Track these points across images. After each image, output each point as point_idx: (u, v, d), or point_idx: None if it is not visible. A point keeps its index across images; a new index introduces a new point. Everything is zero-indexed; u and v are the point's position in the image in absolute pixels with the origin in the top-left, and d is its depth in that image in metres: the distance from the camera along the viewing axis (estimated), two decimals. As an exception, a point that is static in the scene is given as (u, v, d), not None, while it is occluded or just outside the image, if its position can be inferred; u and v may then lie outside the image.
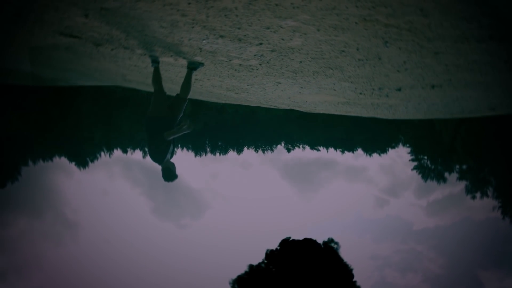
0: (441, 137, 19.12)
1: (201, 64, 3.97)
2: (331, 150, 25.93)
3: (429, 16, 2.20)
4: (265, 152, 26.60)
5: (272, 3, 2.26)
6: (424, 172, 21.25)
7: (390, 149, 24.77)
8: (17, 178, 20.56)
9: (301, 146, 26.36)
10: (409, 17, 2.23)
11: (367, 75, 3.73)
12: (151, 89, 3.97)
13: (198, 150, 25.01)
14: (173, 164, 3.77)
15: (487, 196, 18.56)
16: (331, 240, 1.55)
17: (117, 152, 23.78)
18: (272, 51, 3.23)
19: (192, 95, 4.10)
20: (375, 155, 25.16)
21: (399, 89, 4.20)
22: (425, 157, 21.18)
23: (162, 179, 3.74)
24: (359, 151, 25.54)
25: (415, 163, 21.56)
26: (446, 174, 20.49)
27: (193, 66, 3.95)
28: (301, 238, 1.64)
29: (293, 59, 3.42)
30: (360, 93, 4.65)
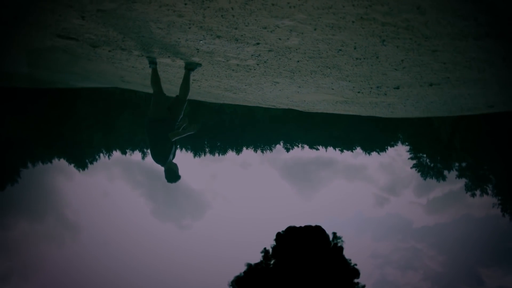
0: (440, 134, 19.16)
1: (199, 64, 3.97)
2: (330, 149, 25.95)
3: (426, 14, 2.20)
4: (264, 151, 26.60)
5: (269, 3, 2.25)
6: (424, 170, 21.28)
7: (389, 148, 24.79)
8: (17, 180, 20.54)
9: (300, 145, 26.36)
10: (406, 15, 2.23)
11: (365, 74, 3.73)
12: (150, 91, 3.97)
13: (197, 150, 25.00)
14: (175, 165, 3.78)
15: (487, 193, 18.60)
16: (334, 235, 1.53)
17: (116, 154, 23.78)
18: (269, 51, 3.23)
19: (190, 95, 4.10)
20: (374, 153, 25.16)
21: (397, 88, 4.20)
22: (424, 155, 21.21)
23: (163, 180, 3.75)
24: (358, 149, 25.56)
25: (414, 161, 21.59)
26: (446, 172, 20.54)
27: (190, 67, 3.95)
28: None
29: (290, 59, 3.41)
30: (358, 92, 4.65)
